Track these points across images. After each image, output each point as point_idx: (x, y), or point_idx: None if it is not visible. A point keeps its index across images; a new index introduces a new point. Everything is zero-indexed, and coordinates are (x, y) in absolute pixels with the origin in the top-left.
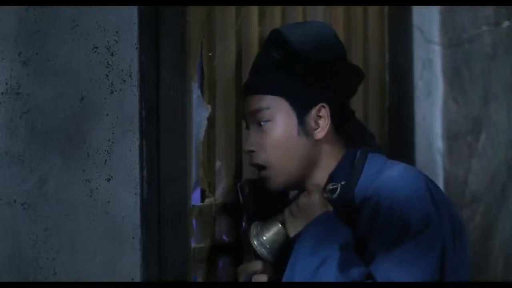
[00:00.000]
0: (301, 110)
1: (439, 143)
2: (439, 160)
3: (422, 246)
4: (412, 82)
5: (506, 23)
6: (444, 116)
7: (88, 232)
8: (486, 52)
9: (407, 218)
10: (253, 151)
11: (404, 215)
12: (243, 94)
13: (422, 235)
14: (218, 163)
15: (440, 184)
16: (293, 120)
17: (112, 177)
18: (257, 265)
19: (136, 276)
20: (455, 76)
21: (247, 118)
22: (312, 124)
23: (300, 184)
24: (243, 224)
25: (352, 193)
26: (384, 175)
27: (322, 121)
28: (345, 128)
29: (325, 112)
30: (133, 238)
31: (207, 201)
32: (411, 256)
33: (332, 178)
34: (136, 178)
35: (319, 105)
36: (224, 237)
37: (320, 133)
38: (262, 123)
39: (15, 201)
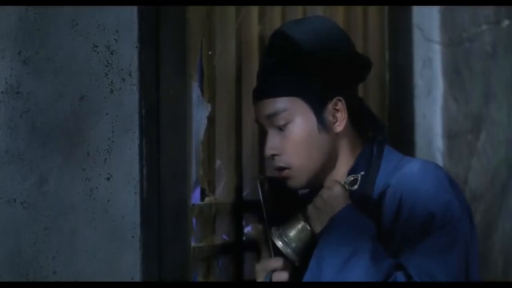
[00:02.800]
0: (318, 107)
1: (439, 142)
2: (439, 159)
3: (449, 237)
4: (412, 81)
5: (506, 22)
6: (444, 115)
7: (88, 231)
8: (486, 51)
9: (432, 210)
10: (275, 155)
11: (428, 207)
12: (254, 100)
13: (448, 226)
14: (218, 162)
15: None
16: (312, 118)
17: (112, 176)
18: (277, 262)
19: (136, 275)
20: (455, 75)
21: (263, 123)
22: (330, 118)
23: (320, 181)
24: (244, 223)
25: (372, 186)
26: (404, 169)
27: (339, 114)
28: (360, 119)
29: (341, 105)
30: (133, 237)
31: (207, 200)
32: (440, 246)
33: (351, 173)
34: (136, 177)
35: (335, 99)
36: (224, 236)
37: (339, 126)
38: (281, 126)
39: (15, 200)
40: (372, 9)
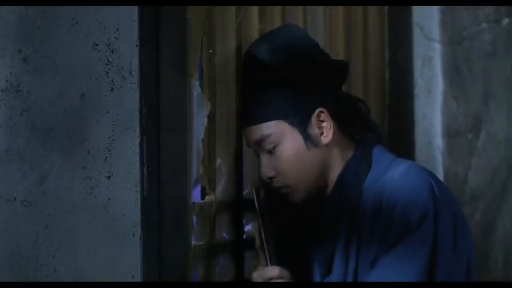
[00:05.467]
0: (302, 124)
1: (439, 141)
2: (439, 158)
3: (414, 245)
4: (412, 80)
5: (506, 21)
6: (444, 114)
7: (88, 229)
8: (486, 50)
9: (405, 220)
10: (271, 177)
11: (403, 218)
12: (242, 126)
13: (415, 234)
14: (218, 161)
15: None
16: (298, 136)
17: (112, 174)
18: (274, 270)
19: (137, 274)
20: (455, 74)
21: (253, 148)
22: (316, 131)
23: (319, 190)
24: (244, 222)
25: (360, 189)
26: (388, 175)
27: (325, 124)
28: (349, 122)
29: (325, 116)
30: (133, 235)
31: (207, 198)
32: (403, 257)
33: (340, 179)
34: (137, 176)
35: (317, 111)
36: (225, 235)
37: (326, 137)
38: (270, 149)
39: (15, 198)
40: (372, 8)
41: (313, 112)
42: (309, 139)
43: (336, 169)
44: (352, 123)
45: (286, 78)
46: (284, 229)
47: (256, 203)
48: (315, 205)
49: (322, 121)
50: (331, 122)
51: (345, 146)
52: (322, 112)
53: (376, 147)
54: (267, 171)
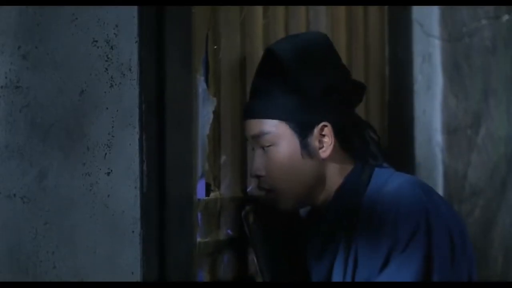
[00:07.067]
0: (303, 132)
1: (438, 138)
2: (438, 155)
3: (404, 261)
4: (411, 76)
5: (505, 17)
6: (443, 110)
7: (88, 226)
8: (485, 46)
9: (395, 237)
10: (260, 176)
11: (393, 234)
12: (244, 118)
13: (405, 250)
14: (223, 157)
15: (440, 178)
16: (296, 143)
17: (112, 170)
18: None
19: (136, 270)
20: (454, 70)
21: (250, 142)
22: (316, 144)
23: (310, 202)
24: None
25: (360, 202)
26: (385, 189)
27: (326, 139)
28: (351, 143)
29: (328, 130)
30: (133, 232)
31: (212, 195)
32: (394, 275)
33: (338, 194)
34: (136, 172)
35: (321, 124)
36: (229, 231)
37: (325, 152)
38: (265, 148)
39: (14, 195)
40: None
41: (317, 124)
42: (306, 148)
43: (334, 182)
44: (355, 146)
45: (299, 83)
46: (282, 244)
47: (246, 228)
48: (314, 218)
49: (324, 135)
50: (333, 139)
51: (345, 161)
52: (326, 126)
53: (377, 168)
54: (258, 168)
